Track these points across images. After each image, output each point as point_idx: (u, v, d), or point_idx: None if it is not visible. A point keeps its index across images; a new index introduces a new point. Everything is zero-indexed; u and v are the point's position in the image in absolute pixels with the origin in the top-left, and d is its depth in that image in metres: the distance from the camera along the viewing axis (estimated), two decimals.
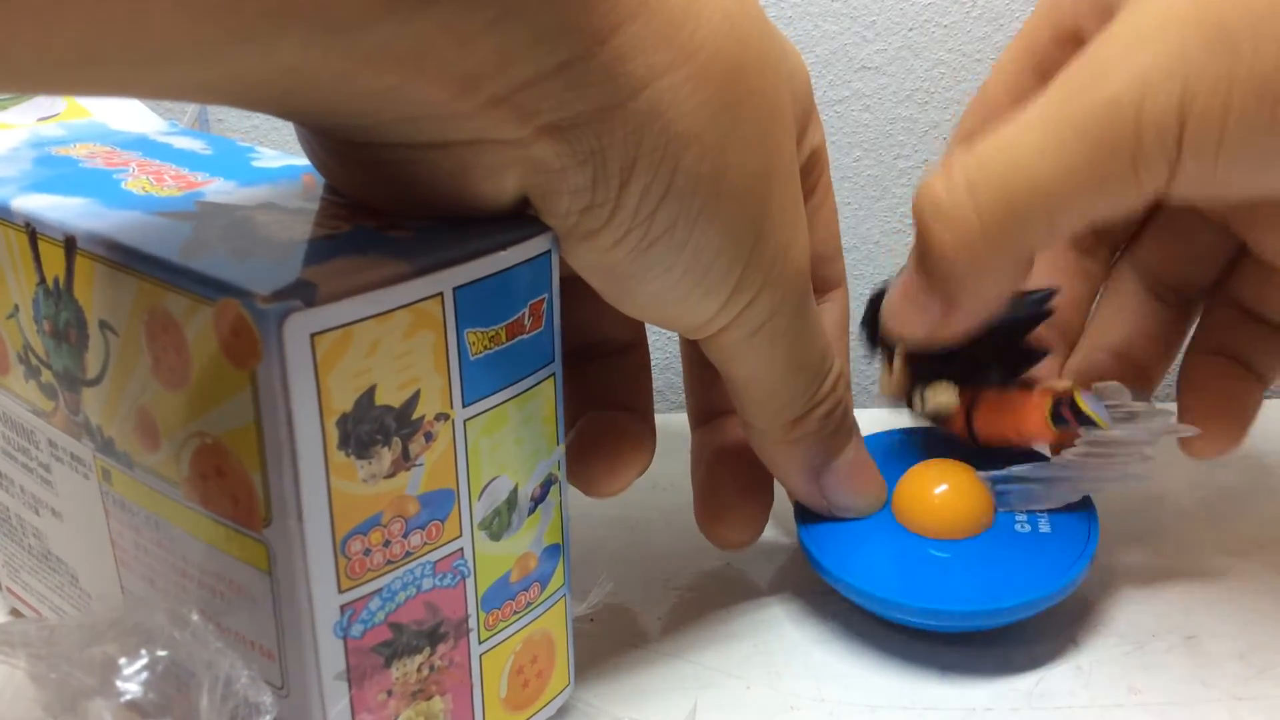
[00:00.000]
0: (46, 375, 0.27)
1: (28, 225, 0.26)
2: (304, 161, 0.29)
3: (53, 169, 0.29)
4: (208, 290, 0.22)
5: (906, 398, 0.37)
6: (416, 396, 0.23)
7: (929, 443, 0.38)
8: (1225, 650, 0.33)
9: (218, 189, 0.27)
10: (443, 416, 0.24)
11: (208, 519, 0.24)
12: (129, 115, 0.34)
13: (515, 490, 0.26)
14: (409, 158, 0.24)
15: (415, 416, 0.23)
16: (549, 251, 0.25)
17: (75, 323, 0.25)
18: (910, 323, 0.31)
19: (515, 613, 0.27)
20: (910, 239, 0.52)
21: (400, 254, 0.23)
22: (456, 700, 0.27)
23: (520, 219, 0.25)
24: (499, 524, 0.26)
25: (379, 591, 0.24)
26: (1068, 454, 0.34)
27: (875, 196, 0.51)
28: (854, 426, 0.34)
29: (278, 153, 0.31)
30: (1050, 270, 0.37)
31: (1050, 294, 0.35)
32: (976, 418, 0.35)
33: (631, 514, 0.41)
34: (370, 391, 0.22)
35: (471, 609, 0.26)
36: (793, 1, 0.48)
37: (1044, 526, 0.34)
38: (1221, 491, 0.42)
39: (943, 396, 0.35)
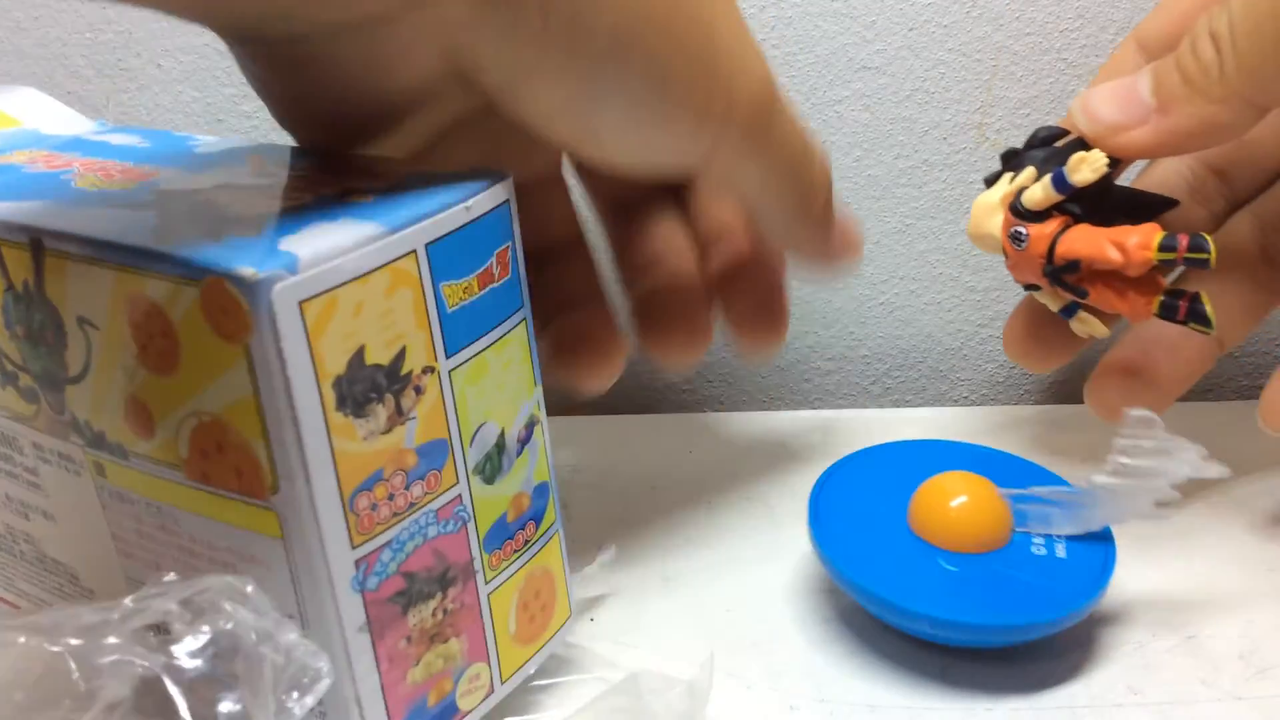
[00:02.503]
0: (25, 379, 0.27)
1: None
2: (245, 144, 0.29)
3: None
4: (190, 271, 0.22)
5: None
6: (403, 352, 0.24)
7: (944, 454, 0.38)
8: (1225, 650, 0.33)
9: (168, 177, 0.27)
10: (429, 369, 0.25)
11: (213, 495, 0.24)
12: (59, 120, 0.34)
13: (503, 434, 0.27)
14: (334, 51, 0.24)
15: (404, 372, 0.24)
16: (507, 200, 0.26)
17: (51, 323, 0.25)
18: (1108, 112, 0.32)
19: (515, 551, 0.29)
20: (911, 239, 0.52)
21: (368, 216, 0.23)
22: (471, 640, 0.28)
23: (475, 172, 0.26)
24: (491, 468, 0.27)
25: (389, 544, 0.25)
26: (1095, 480, 0.34)
27: (875, 196, 0.51)
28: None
29: (216, 139, 0.31)
30: (1174, 191, 0.37)
31: (1173, 203, 0.36)
32: (1065, 236, 0.34)
33: (631, 514, 0.41)
34: (360, 352, 0.23)
35: (475, 551, 0.27)
36: (793, 1, 0.48)
37: (1060, 552, 0.34)
38: (1222, 491, 0.42)
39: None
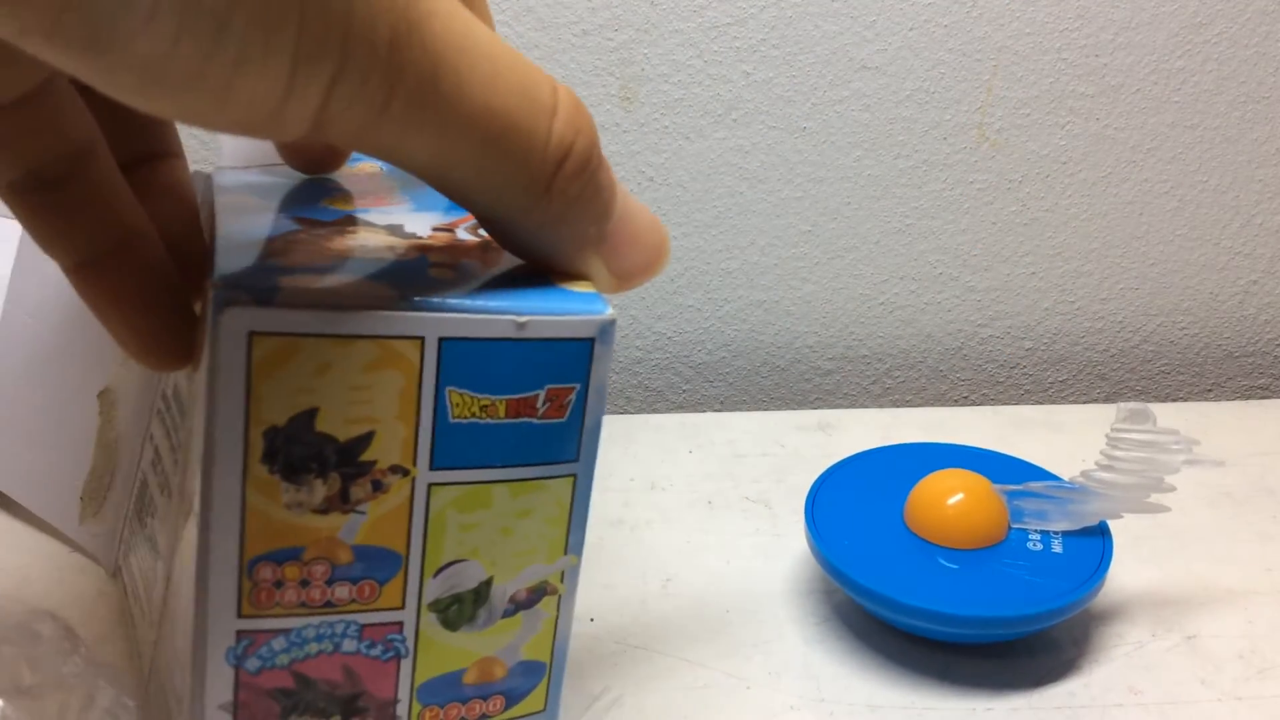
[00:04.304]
0: None
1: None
2: None
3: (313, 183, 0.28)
4: (212, 270, 0.21)
5: None
6: (369, 438, 0.21)
7: (940, 456, 0.38)
8: (1225, 650, 0.33)
9: (387, 209, 0.26)
10: (399, 470, 0.22)
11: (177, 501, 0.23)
12: None
13: (488, 583, 0.24)
14: None
15: (364, 459, 0.22)
16: (591, 339, 0.22)
17: None
18: None
19: (464, 718, 0.25)
20: (911, 239, 0.52)
21: (405, 285, 0.21)
22: None
23: (585, 295, 0.23)
24: (458, 613, 0.24)
25: (286, 632, 0.22)
26: (1089, 473, 0.34)
27: (875, 196, 0.51)
28: (609, 167, 0.24)
29: None
30: None
31: None
32: None
33: (631, 514, 0.41)
34: (310, 414, 0.21)
35: (403, 694, 0.24)
36: (793, 1, 0.48)
37: (1056, 546, 0.34)
38: (1222, 491, 0.42)
39: None
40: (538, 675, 0.25)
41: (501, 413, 0.22)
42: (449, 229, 0.25)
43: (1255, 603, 0.36)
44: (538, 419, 0.23)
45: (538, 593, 0.24)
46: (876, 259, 0.52)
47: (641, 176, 0.50)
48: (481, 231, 0.25)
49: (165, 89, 0.17)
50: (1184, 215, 0.52)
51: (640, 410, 0.55)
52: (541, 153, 0.21)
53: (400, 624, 0.23)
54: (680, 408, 0.55)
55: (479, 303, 0.22)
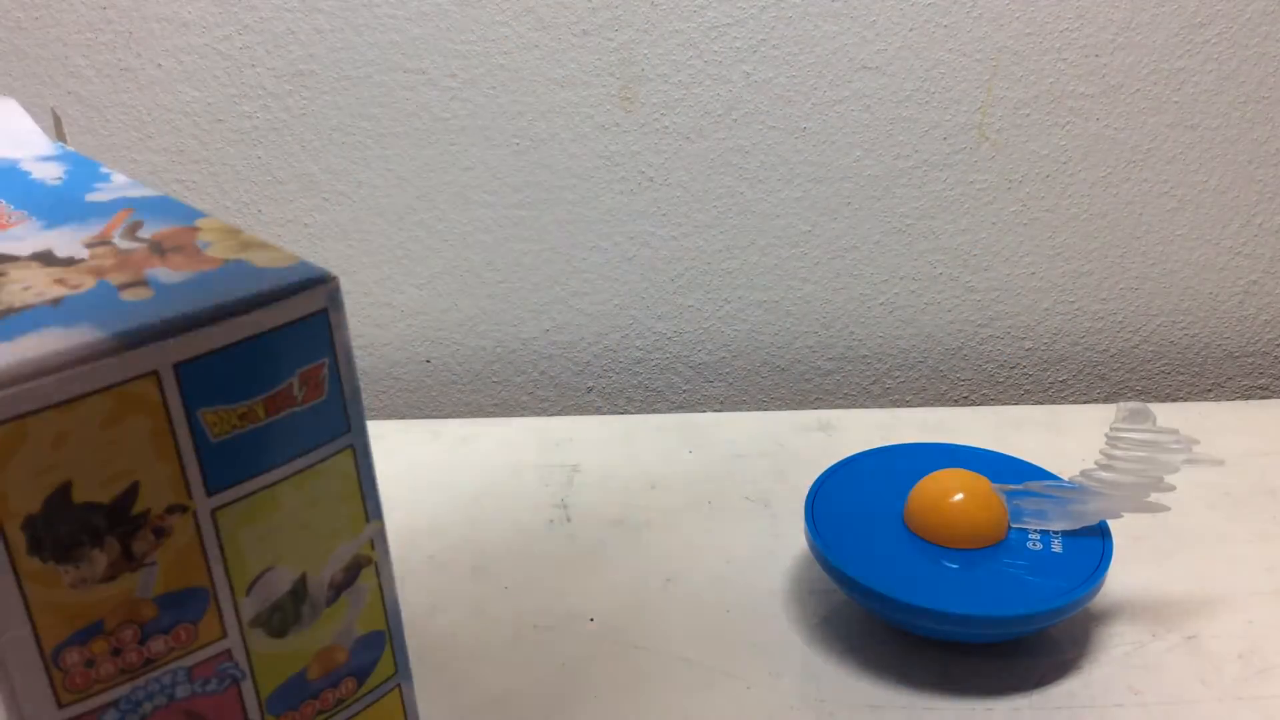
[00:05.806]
0: None
1: None
2: (138, 194, 0.26)
3: None
4: None
5: None
6: (134, 490, 0.20)
7: (939, 456, 0.38)
8: (1225, 650, 0.33)
9: (15, 233, 0.25)
10: (177, 509, 0.21)
11: None
12: (13, 137, 0.31)
13: (302, 580, 0.23)
14: None
15: (135, 512, 0.21)
16: (324, 310, 0.22)
17: None
18: None
19: (321, 712, 0.25)
20: (911, 239, 0.52)
21: (111, 324, 0.20)
22: None
23: (296, 268, 0.22)
24: (281, 619, 0.23)
25: (114, 704, 0.22)
26: (1088, 473, 0.34)
27: (875, 196, 0.51)
28: None
29: (127, 180, 0.28)
30: None
31: None
32: None
33: (631, 514, 0.41)
34: (63, 489, 0.20)
35: (253, 714, 0.24)
36: (793, 2, 0.48)
37: (1056, 546, 0.34)
38: (1222, 491, 0.42)
39: None
40: (379, 644, 0.25)
41: (262, 414, 0.22)
42: (104, 241, 0.24)
43: (1255, 603, 0.36)
44: (299, 406, 0.22)
45: (354, 569, 0.24)
46: (876, 259, 0.52)
47: (641, 176, 0.50)
48: (139, 234, 0.24)
49: None
50: (1184, 215, 0.52)
51: (640, 410, 0.55)
52: None
53: (228, 651, 0.23)
54: (680, 408, 0.55)
55: (194, 314, 0.20)
